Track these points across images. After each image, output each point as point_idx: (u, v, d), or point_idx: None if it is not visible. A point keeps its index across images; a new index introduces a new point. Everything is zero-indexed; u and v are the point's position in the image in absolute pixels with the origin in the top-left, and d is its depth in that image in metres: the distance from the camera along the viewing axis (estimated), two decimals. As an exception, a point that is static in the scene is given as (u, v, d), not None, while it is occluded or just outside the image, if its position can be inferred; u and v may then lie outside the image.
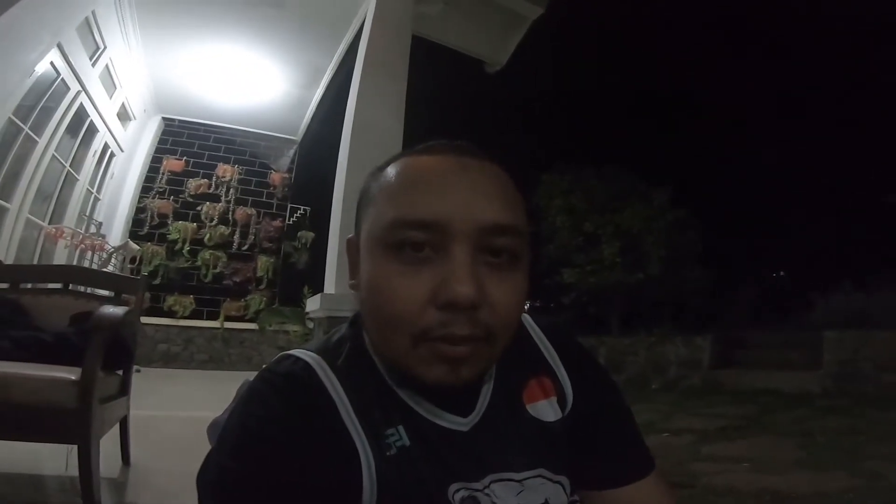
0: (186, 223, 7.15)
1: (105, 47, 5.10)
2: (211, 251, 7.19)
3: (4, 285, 2.17)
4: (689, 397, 5.79)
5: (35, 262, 4.97)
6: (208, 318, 6.99)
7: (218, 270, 7.18)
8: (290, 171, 7.87)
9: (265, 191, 7.69)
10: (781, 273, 13.43)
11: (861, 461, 2.78)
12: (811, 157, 11.81)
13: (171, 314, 6.82)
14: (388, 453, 0.50)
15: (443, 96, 9.19)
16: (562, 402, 0.61)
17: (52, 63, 4.34)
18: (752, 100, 12.46)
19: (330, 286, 3.11)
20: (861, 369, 5.43)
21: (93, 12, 4.57)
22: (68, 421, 1.55)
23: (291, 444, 0.47)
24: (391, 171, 0.54)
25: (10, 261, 4.23)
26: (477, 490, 0.52)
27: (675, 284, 8.60)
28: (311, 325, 3.91)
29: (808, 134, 11.91)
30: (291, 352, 0.56)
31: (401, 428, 0.52)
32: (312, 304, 3.14)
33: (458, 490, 0.51)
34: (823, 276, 8.92)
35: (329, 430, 0.49)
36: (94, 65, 5.04)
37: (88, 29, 4.74)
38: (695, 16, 11.64)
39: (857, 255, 9.83)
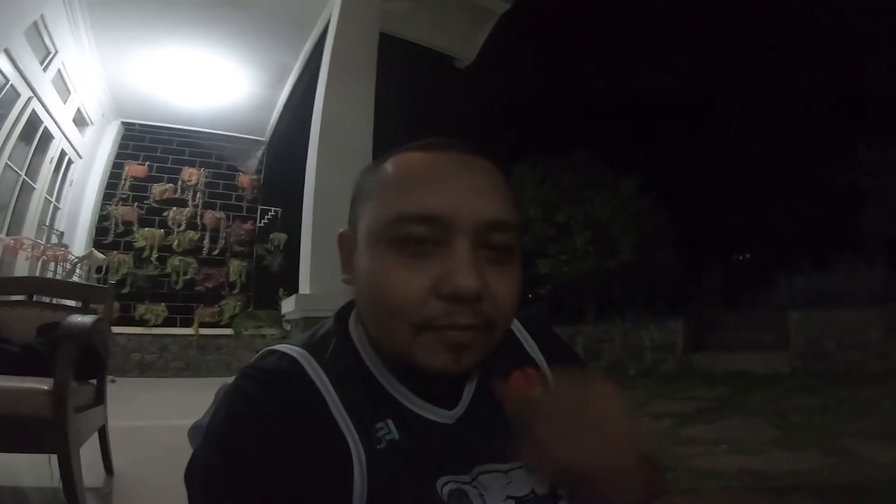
0: (153, 230, 6.94)
1: (56, 51, 4.88)
2: (180, 257, 7.01)
3: (-35, 300, 2.10)
4: (666, 382, 5.94)
5: (-6, 276, 4.75)
6: (182, 326, 6.81)
7: (189, 277, 7.00)
8: (259, 172, 7.71)
9: (234, 193, 7.52)
10: (747, 255, 13.84)
11: (832, 439, 2.90)
12: (771, 140, 12.19)
13: (143, 323, 6.63)
14: (377, 447, 0.50)
15: (413, 93, 9.13)
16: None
17: (-1, 69, 4.15)
18: (715, 88, 12.78)
19: (304, 287, 3.06)
20: (827, 349, 5.65)
21: (41, 16, 4.37)
22: (45, 431, 1.56)
23: (280, 440, 0.46)
24: (390, 166, 0.55)
25: (-35, 276, 4.04)
26: (465, 483, 0.52)
27: (647, 270, 8.77)
28: (288, 327, 3.85)
29: (766, 119, 12.29)
30: (276, 347, 0.56)
31: (389, 421, 0.52)
32: (288, 305, 3.09)
33: (446, 483, 0.51)
34: (784, 256, 9.23)
35: (318, 425, 0.49)
36: (45, 69, 4.83)
37: (37, 33, 4.53)
38: (659, 6, 11.86)
39: (815, 235, 10.21)
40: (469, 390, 0.58)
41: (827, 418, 3.42)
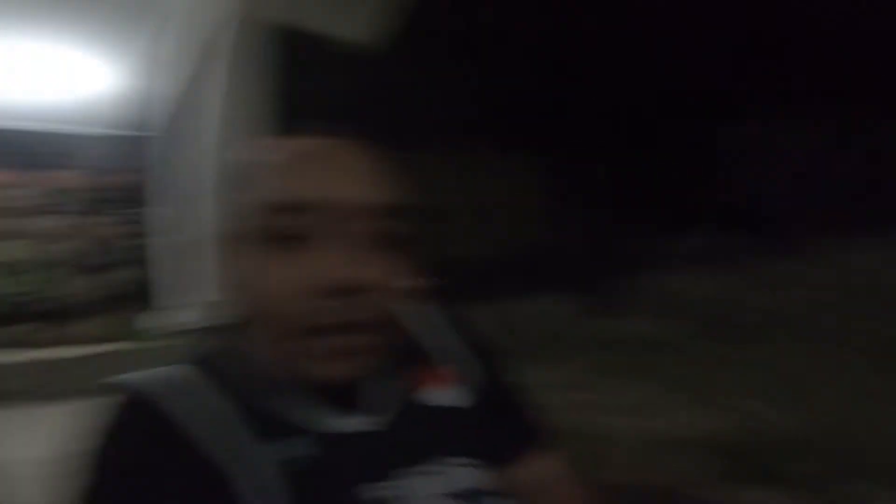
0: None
1: None
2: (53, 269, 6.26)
3: None
4: (566, 350, 6.11)
5: None
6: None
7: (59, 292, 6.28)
8: (137, 171, 7.06)
9: (109, 195, 6.83)
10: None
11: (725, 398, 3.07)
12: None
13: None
14: (285, 465, 0.47)
15: (309, 85, 8.75)
16: (467, 387, 0.61)
17: None
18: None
19: (193, 295, 2.89)
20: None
21: None
22: None
23: (153, 483, 0.43)
24: (260, 158, 0.52)
25: None
26: (387, 490, 0.50)
27: (553, 248, 9.01)
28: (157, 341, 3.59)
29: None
30: (152, 371, 0.51)
31: (295, 438, 0.49)
32: (175, 315, 2.91)
33: (367, 493, 0.49)
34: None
35: (190, 462, 0.45)
36: None
37: None
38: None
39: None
40: (385, 393, 0.55)
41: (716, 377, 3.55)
